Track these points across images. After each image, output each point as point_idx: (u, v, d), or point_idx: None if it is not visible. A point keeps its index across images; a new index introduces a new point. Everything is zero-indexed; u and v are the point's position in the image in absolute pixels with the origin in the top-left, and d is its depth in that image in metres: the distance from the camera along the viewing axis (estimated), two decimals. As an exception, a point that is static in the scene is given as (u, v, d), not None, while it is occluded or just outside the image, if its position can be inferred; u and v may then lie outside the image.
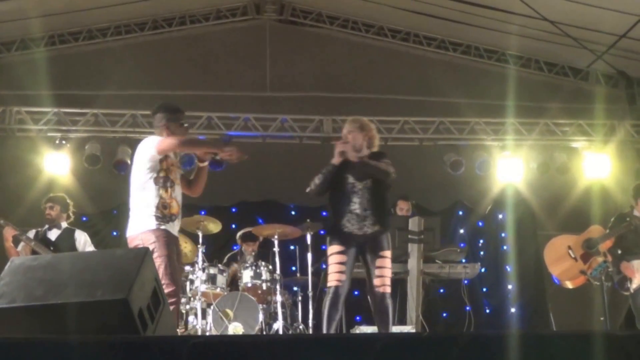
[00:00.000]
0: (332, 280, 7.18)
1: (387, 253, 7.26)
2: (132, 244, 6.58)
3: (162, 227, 6.52)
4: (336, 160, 7.28)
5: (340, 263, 7.17)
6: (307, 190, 7.46)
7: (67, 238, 9.27)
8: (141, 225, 6.56)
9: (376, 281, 7.18)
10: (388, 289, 7.22)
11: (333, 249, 7.25)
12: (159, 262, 6.23)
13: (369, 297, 7.29)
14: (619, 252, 9.36)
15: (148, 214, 6.54)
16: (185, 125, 7.00)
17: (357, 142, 7.37)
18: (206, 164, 7.02)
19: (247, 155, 6.84)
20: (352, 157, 7.30)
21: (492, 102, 12.22)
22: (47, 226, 9.31)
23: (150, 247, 6.31)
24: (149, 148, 6.67)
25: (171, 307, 5.84)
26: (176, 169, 6.82)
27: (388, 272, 7.24)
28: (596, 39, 11.95)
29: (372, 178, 7.26)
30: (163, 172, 6.63)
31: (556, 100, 12.69)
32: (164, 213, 6.54)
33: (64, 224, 9.37)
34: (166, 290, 5.79)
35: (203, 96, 12.57)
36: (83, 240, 9.30)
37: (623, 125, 12.48)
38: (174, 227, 6.67)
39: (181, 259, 7.25)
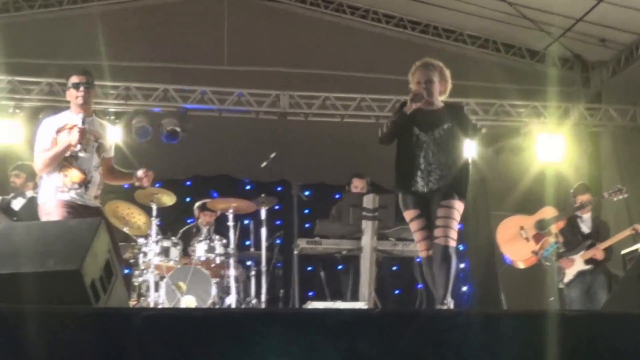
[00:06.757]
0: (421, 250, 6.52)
1: (453, 203, 6.40)
2: (39, 209, 6.53)
3: (60, 197, 6.38)
4: (409, 108, 6.57)
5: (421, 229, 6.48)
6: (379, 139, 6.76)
7: (32, 207, 9.13)
8: (43, 193, 6.50)
9: (436, 232, 6.38)
10: (451, 242, 6.32)
11: (409, 214, 6.54)
12: None
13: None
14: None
15: (49, 181, 6.46)
16: (71, 88, 6.88)
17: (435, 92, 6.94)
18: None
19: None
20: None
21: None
22: (12, 194, 9.21)
23: (44, 218, 6.29)
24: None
25: None
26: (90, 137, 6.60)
27: (452, 223, 6.34)
28: (553, 22, 12.03)
29: (441, 128, 6.63)
30: None
31: (512, 81, 12.75)
32: (64, 182, 6.42)
33: (30, 193, 9.19)
34: None
35: (159, 68, 12.46)
36: None
37: (577, 108, 12.60)
38: (84, 196, 6.46)
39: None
